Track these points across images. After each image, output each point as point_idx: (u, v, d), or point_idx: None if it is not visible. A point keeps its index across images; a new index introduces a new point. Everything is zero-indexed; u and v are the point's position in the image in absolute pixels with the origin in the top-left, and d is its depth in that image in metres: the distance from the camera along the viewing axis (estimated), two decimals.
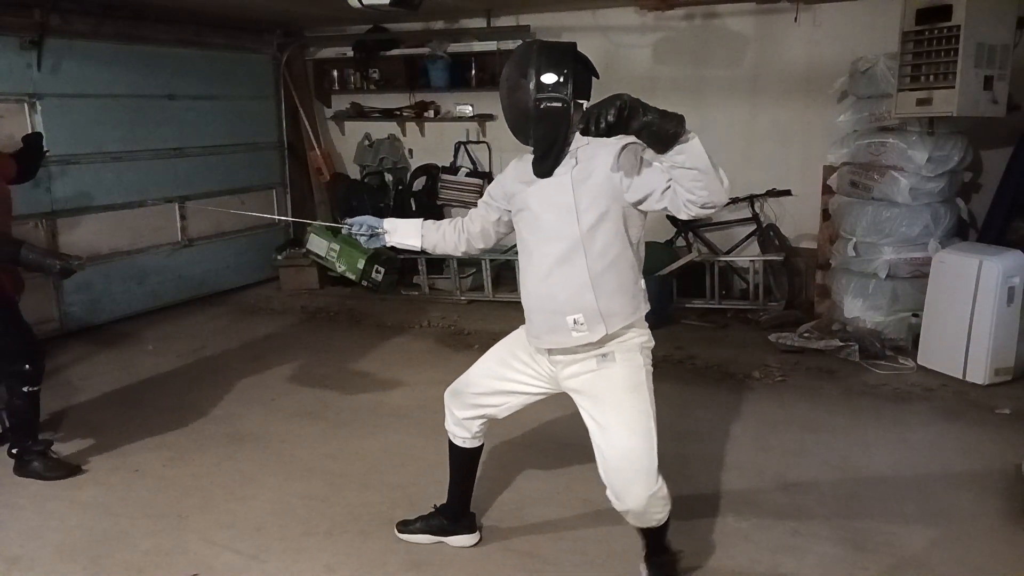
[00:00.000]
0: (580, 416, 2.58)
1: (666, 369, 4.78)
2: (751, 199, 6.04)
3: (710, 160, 2.00)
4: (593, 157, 2.27)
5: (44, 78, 5.37)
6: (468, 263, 6.78)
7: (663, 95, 6.34)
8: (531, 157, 2.41)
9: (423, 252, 2.90)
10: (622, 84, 6.59)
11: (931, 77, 4.56)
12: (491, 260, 6.54)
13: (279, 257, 7.18)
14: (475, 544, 2.90)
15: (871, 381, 4.53)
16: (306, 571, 2.78)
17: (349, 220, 2.94)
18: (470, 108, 7.03)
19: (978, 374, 4.40)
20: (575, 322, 2.33)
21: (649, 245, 6.22)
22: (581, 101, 2.29)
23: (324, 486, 3.39)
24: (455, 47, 6.95)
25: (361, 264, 6.75)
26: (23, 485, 3.44)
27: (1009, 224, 5.10)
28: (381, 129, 7.61)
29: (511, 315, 6.08)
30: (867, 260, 5.04)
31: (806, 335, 5.12)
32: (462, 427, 2.84)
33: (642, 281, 2.42)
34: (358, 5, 4.40)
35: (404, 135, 7.54)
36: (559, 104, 2.22)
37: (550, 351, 2.46)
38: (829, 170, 5.54)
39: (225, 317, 6.23)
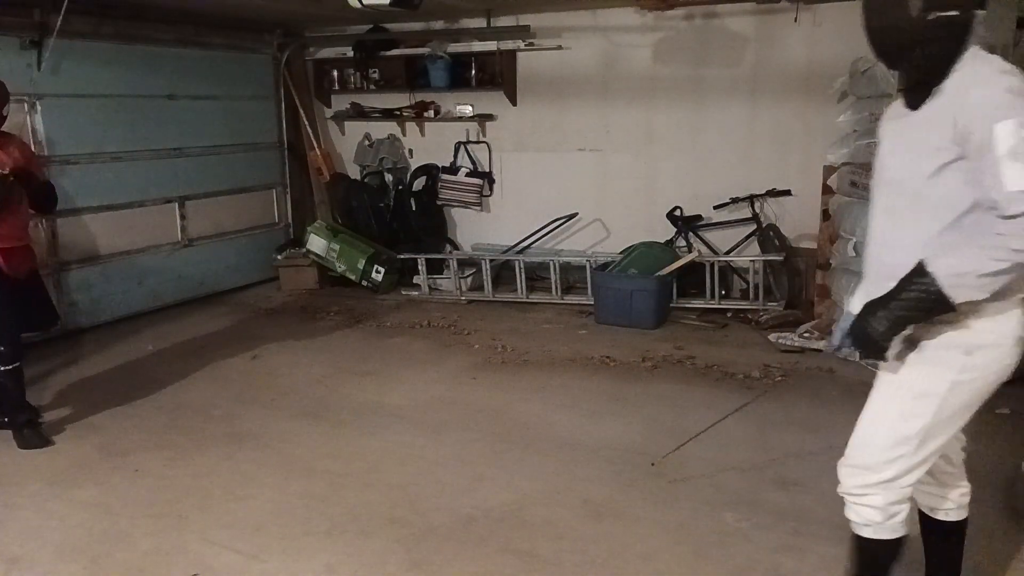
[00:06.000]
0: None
1: (666, 369, 4.78)
2: (751, 199, 6.04)
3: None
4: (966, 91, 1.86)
5: (44, 78, 5.37)
6: (468, 263, 6.79)
7: (663, 95, 6.37)
8: None
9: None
10: (622, 84, 6.65)
11: None
12: (491, 260, 6.55)
13: (279, 257, 7.18)
14: None
15: (871, 381, 4.49)
16: (306, 571, 2.78)
17: (834, 341, 2.31)
18: (470, 108, 7.03)
19: None
20: None
21: (648, 245, 6.29)
22: (979, 11, 1.91)
23: (324, 486, 3.39)
24: (455, 47, 6.95)
25: (361, 264, 6.75)
26: (23, 485, 3.44)
27: None
28: (381, 129, 7.61)
29: (511, 315, 6.12)
30: None
31: (806, 335, 5.12)
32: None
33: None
34: (358, 5, 4.40)
35: (404, 135, 7.54)
36: (958, 12, 1.84)
37: None
38: (829, 170, 5.53)
39: (225, 317, 6.23)
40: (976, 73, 1.85)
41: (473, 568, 2.78)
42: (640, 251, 5.98)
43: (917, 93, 1.96)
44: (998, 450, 3.61)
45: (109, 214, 5.92)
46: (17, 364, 3.85)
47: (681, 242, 6.30)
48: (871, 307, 1.91)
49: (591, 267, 6.07)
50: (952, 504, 2.25)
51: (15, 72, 5.19)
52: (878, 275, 2.04)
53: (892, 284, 1.92)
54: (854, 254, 5.10)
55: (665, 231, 6.35)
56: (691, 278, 6.02)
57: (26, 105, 5.30)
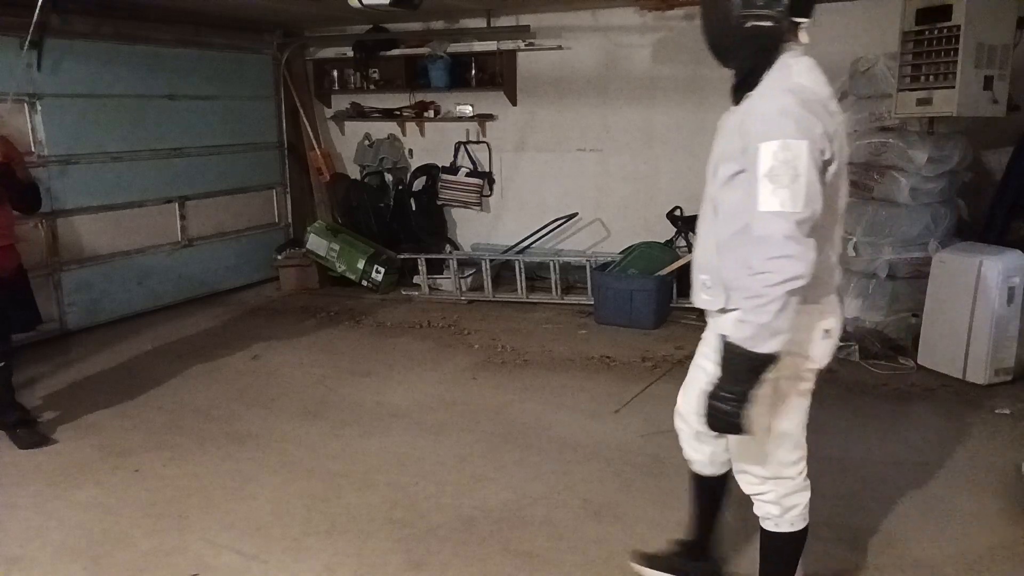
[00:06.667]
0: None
1: (666, 369, 4.78)
2: None
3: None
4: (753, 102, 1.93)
5: (44, 78, 5.37)
6: (468, 263, 6.79)
7: (663, 95, 6.37)
8: None
9: None
10: (622, 84, 6.65)
11: (931, 77, 4.56)
12: (491, 260, 6.55)
13: (279, 257, 7.18)
14: None
15: (871, 381, 4.53)
16: (306, 571, 2.78)
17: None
18: (470, 108, 7.03)
19: (978, 374, 4.40)
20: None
21: (649, 245, 6.28)
22: (800, 20, 1.92)
23: (324, 486, 3.39)
24: (455, 47, 6.95)
25: (361, 264, 6.75)
26: (23, 485, 3.44)
27: (1009, 224, 5.10)
28: (381, 129, 7.61)
29: (511, 315, 6.12)
30: (867, 260, 5.03)
31: None
32: None
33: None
34: (358, 5, 4.40)
35: (404, 135, 7.54)
36: (769, 23, 1.87)
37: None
38: None
39: (225, 317, 6.23)
40: (767, 86, 1.90)
41: (473, 568, 2.78)
42: (640, 251, 5.99)
43: (737, 93, 2.01)
44: (998, 450, 3.61)
45: (109, 214, 5.91)
46: (4, 363, 3.85)
47: (681, 242, 6.30)
48: (714, 396, 1.94)
49: (591, 267, 6.07)
50: (724, 459, 2.37)
51: (15, 72, 5.20)
52: (694, 267, 2.20)
53: (703, 277, 2.12)
54: (854, 254, 5.10)
55: (665, 231, 6.35)
56: (691, 278, 6.00)
57: (26, 105, 5.30)
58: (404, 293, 6.75)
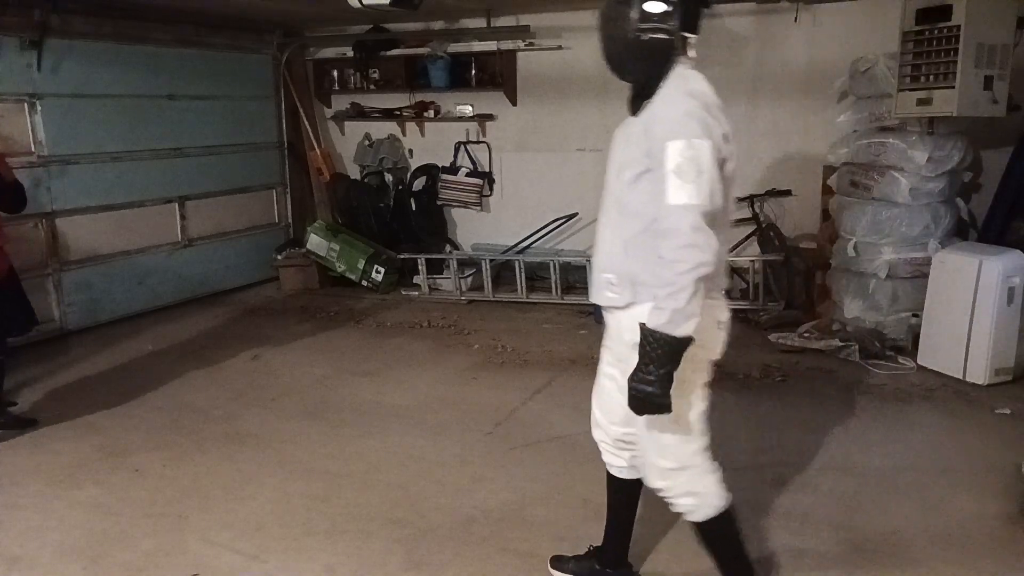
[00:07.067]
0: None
1: None
2: (751, 199, 6.04)
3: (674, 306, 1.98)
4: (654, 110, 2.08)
5: (44, 78, 5.37)
6: (468, 263, 6.78)
7: None
8: None
9: None
10: (622, 84, 6.63)
11: (931, 77, 4.56)
12: (491, 260, 6.55)
13: (279, 257, 7.18)
14: None
15: (871, 381, 4.53)
16: (306, 571, 2.78)
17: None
18: (470, 108, 7.03)
19: (978, 374, 4.40)
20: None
21: None
22: (688, 35, 2.10)
23: (324, 486, 3.39)
24: (455, 47, 6.96)
25: (361, 264, 6.75)
26: (23, 485, 3.44)
27: (1009, 224, 5.10)
28: (381, 129, 7.61)
29: (511, 315, 6.12)
30: (867, 260, 5.03)
31: (806, 335, 5.12)
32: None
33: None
34: (358, 5, 4.40)
35: (404, 135, 7.54)
36: (663, 36, 2.05)
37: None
38: (829, 170, 5.53)
39: (225, 317, 6.23)
40: (668, 93, 2.07)
41: (473, 568, 2.78)
42: None
43: (635, 103, 2.16)
44: (998, 450, 3.61)
45: (109, 214, 5.92)
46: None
47: None
48: (638, 380, 2.04)
49: (591, 267, 6.05)
50: (633, 464, 2.46)
51: (15, 72, 5.20)
52: (596, 267, 2.31)
53: (607, 276, 2.23)
54: (854, 254, 5.11)
55: None
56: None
57: (26, 105, 5.30)
58: (404, 293, 6.75)
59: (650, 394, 2.01)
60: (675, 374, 2.02)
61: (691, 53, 2.13)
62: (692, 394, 2.22)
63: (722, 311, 2.22)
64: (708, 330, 2.14)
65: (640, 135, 2.08)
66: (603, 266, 2.27)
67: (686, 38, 2.10)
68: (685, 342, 1.99)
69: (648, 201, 2.05)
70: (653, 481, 2.32)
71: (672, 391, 2.03)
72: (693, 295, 1.95)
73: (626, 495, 2.58)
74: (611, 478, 2.58)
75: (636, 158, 2.09)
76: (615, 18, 2.09)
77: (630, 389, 2.05)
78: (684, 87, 2.06)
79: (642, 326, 2.02)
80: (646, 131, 2.06)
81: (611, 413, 2.45)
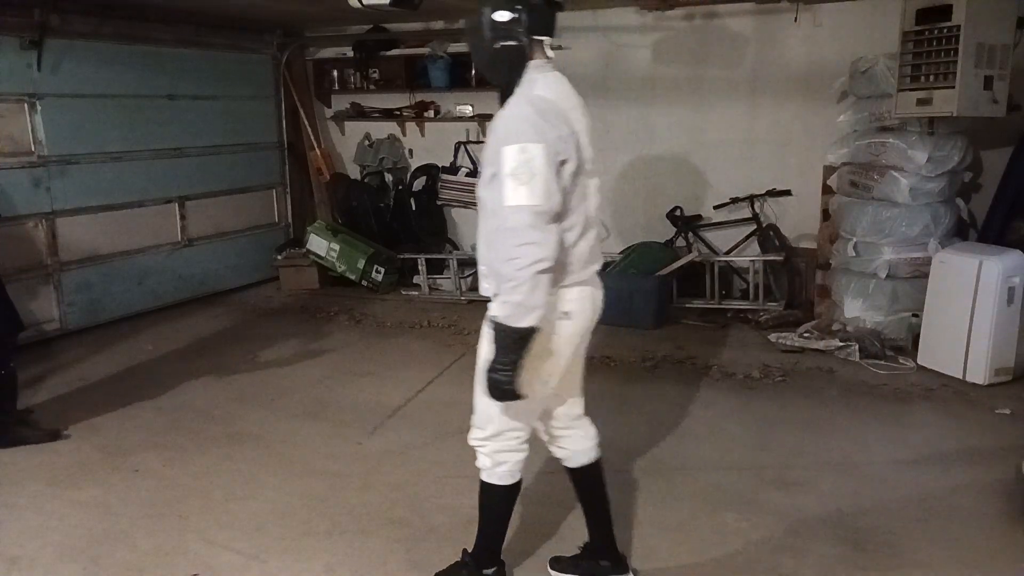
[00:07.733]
0: None
1: (666, 369, 4.78)
2: (751, 199, 6.04)
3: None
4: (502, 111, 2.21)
5: (44, 78, 5.36)
6: (468, 263, 6.78)
7: (663, 95, 6.37)
8: None
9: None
10: (622, 84, 6.65)
11: (931, 77, 4.56)
12: None
13: (279, 257, 7.18)
14: None
15: (871, 381, 4.53)
16: (306, 571, 2.78)
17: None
18: (470, 108, 7.03)
19: (978, 374, 4.40)
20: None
21: (648, 245, 6.28)
22: (540, 38, 2.23)
23: (324, 486, 3.39)
24: (455, 47, 6.95)
25: (361, 264, 6.75)
26: (23, 485, 3.44)
27: (1009, 224, 5.10)
28: (381, 129, 7.61)
29: None
30: (867, 260, 5.04)
31: (806, 335, 5.12)
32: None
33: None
34: (358, 5, 4.40)
35: (404, 135, 7.54)
36: (513, 43, 2.20)
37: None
38: (829, 170, 5.54)
39: (225, 317, 6.23)
40: (513, 98, 2.20)
41: None
42: (640, 251, 5.98)
43: (501, 105, 2.25)
44: (998, 450, 3.61)
45: (109, 214, 5.91)
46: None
47: (681, 242, 6.29)
48: (491, 369, 2.16)
49: None
50: (569, 452, 2.60)
51: (15, 72, 5.20)
52: (478, 259, 2.38)
53: (481, 268, 2.34)
54: (854, 254, 5.11)
55: (665, 231, 6.34)
56: (691, 278, 6.02)
57: (26, 105, 5.30)
58: (404, 293, 6.74)
59: (500, 381, 2.13)
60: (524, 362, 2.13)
61: (549, 53, 2.25)
62: (536, 380, 2.29)
63: (569, 302, 2.30)
64: (552, 321, 2.26)
65: (491, 139, 2.20)
66: (480, 258, 2.37)
67: (539, 41, 2.22)
68: (529, 332, 2.11)
69: (497, 200, 2.15)
70: (470, 439, 2.45)
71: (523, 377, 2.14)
72: (533, 289, 2.06)
73: (586, 480, 2.64)
74: (567, 470, 2.66)
75: (488, 160, 2.20)
76: (474, 29, 2.25)
77: (486, 377, 2.17)
78: (527, 92, 2.18)
79: (492, 318, 2.18)
80: (493, 134, 2.18)
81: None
